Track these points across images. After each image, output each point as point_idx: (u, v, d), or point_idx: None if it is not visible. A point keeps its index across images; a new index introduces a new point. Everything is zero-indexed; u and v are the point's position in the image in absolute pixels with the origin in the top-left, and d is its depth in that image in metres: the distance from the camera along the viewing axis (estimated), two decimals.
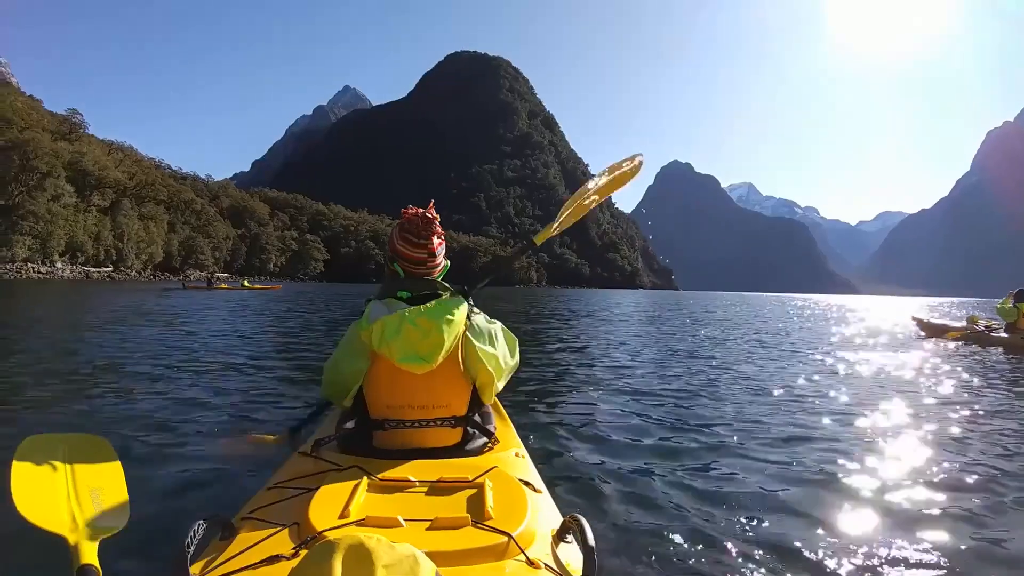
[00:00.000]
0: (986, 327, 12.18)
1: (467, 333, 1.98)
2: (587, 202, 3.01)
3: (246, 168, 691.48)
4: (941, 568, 2.30)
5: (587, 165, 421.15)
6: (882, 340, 12.97)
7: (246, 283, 43.69)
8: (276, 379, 6.09)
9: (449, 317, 1.90)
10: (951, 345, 11.67)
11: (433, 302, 1.95)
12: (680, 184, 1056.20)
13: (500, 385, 2.10)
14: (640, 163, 3.21)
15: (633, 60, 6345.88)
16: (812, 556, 2.40)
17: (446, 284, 2.09)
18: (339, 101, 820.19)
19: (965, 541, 2.50)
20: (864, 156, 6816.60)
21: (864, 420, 4.69)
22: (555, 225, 2.84)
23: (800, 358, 9.56)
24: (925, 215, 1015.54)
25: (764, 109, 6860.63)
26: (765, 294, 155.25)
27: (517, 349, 2.19)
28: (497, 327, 2.12)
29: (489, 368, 1.99)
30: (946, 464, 3.53)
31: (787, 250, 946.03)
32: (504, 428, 2.41)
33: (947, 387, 6.55)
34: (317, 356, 7.98)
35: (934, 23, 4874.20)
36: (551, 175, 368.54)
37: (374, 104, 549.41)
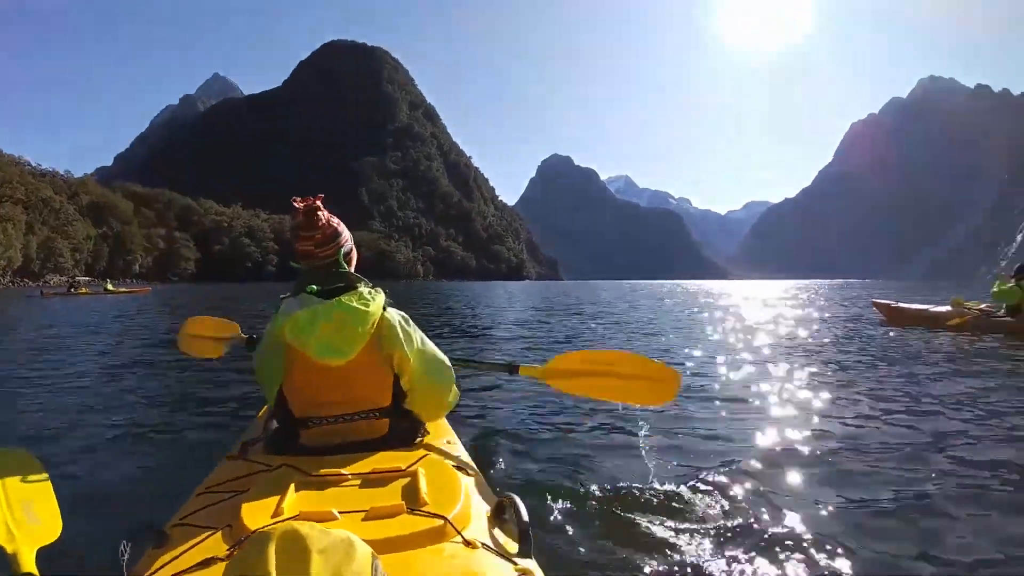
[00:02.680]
0: (981, 311, 11.21)
1: (384, 323, 1.98)
2: (600, 388, 2.74)
3: (108, 162, 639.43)
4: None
5: (469, 157, 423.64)
6: (857, 332, 11.79)
7: (109, 286, 41.17)
8: (169, 386, 6.14)
9: (363, 308, 1.90)
10: (943, 335, 10.61)
11: (347, 295, 1.94)
12: (561, 177, 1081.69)
13: (437, 402, 2.15)
14: (674, 389, 2.63)
15: (514, 54, 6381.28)
16: (733, 524, 2.55)
17: (360, 276, 2.08)
18: (208, 90, 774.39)
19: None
20: (732, 149, 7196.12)
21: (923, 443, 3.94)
22: (545, 370, 2.76)
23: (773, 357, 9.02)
24: (789, 203, 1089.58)
25: (639, 103, 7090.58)
26: (648, 281, 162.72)
27: (451, 372, 2.19)
28: (419, 332, 2.11)
29: (408, 357, 1.99)
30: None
31: (664, 239, 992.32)
32: None
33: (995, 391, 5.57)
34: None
35: (801, 18, 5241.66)
36: (434, 167, 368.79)
37: (246, 93, 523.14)
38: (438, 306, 23.67)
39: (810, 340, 10.42)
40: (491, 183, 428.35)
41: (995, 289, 10.81)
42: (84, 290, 40.28)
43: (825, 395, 5.39)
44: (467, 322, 15.09)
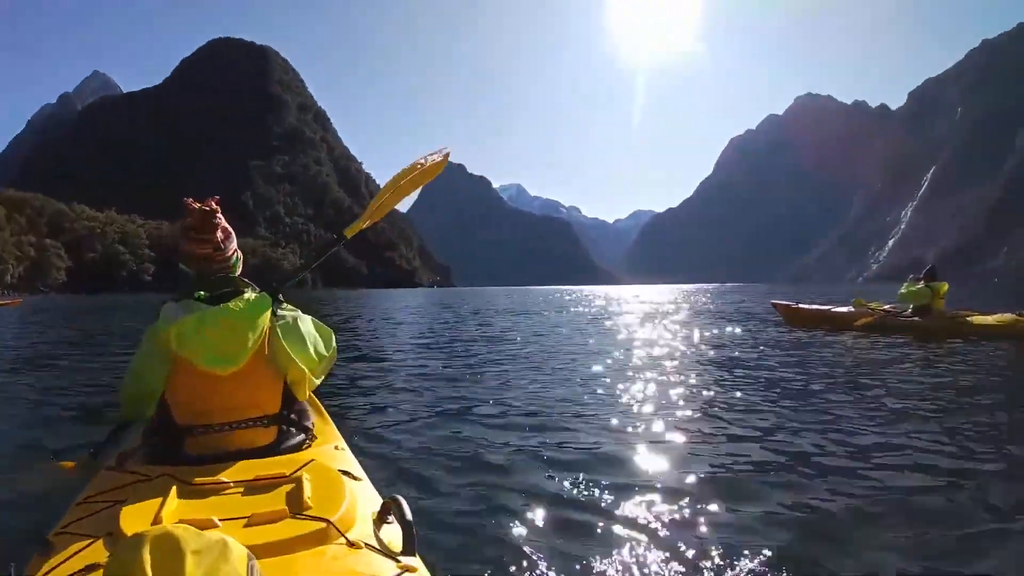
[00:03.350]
0: (885, 311, 11.47)
1: (274, 330, 1.94)
2: (395, 193, 2.90)
3: None
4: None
5: (361, 163, 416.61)
6: (760, 333, 12.22)
7: None
8: (58, 403, 6.00)
9: (252, 315, 1.86)
10: (848, 335, 10.99)
11: (234, 300, 1.89)
12: (454, 184, 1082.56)
13: (317, 381, 2.07)
14: (447, 155, 3.11)
15: (408, 61, 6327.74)
16: (632, 515, 2.70)
17: (247, 280, 2.05)
18: (87, 88, 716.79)
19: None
20: (621, 159, 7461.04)
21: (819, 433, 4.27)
22: (366, 216, 2.78)
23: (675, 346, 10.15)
24: (671, 213, 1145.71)
25: (532, 113, 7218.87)
26: (540, 287, 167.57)
27: (333, 340, 2.15)
28: (307, 320, 2.08)
29: (300, 364, 1.95)
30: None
31: (555, 247, 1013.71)
32: (323, 424, 2.42)
33: (915, 388, 6.01)
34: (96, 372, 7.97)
35: (685, 37, 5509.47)
36: (324, 173, 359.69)
37: (126, 91, 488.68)
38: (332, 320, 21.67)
39: (717, 342, 10.71)
40: None
41: (904, 291, 11.14)
42: None
43: (736, 397, 5.47)
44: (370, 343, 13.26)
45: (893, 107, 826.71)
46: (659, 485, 3.17)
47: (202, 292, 1.94)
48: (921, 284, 11.00)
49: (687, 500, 2.94)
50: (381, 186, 2.72)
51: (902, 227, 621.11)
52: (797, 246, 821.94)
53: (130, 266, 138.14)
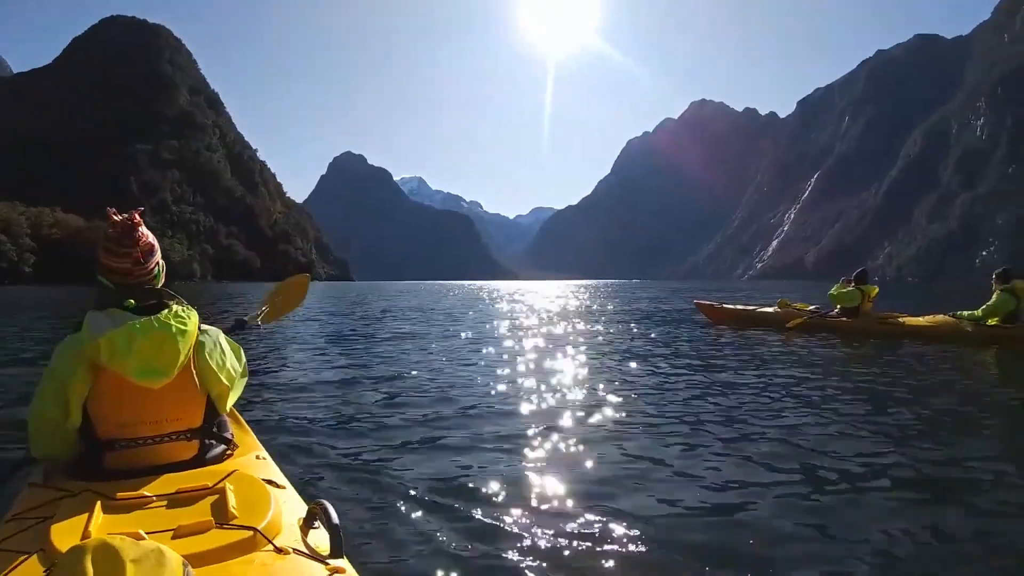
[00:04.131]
0: (812, 312, 11.48)
1: (199, 344, 1.96)
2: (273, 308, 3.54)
3: None
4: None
5: (256, 150, 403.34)
6: (685, 334, 11.85)
7: None
8: None
9: (182, 328, 1.86)
10: (772, 334, 10.90)
11: (164, 312, 1.89)
12: (353, 175, 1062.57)
13: (234, 396, 2.11)
14: (306, 280, 3.85)
15: (307, 47, 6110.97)
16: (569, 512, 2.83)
17: (172, 293, 2.04)
18: None
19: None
20: (522, 156, 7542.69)
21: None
22: (260, 313, 3.42)
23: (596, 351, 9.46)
24: (571, 210, 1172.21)
25: (433, 105, 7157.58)
26: (442, 282, 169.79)
27: (243, 355, 2.18)
28: (221, 335, 2.10)
29: (222, 378, 1.98)
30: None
31: (456, 241, 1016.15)
32: (242, 434, 2.44)
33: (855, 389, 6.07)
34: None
35: (588, 35, 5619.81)
36: (215, 159, 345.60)
37: (16, 72, 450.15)
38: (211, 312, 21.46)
39: (641, 343, 10.26)
40: (279, 179, 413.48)
41: (834, 291, 11.03)
42: None
43: (668, 404, 5.37)
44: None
45: (782, 115, 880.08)
46: (580, 477, 3.27)
47: (131, 301, 1.91)
48: (852, 287, 10.93)
49: (611, 497, 2.99)
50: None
51: (785, 228, 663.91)
52: (689, 245, 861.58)
53: (11, 255, 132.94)
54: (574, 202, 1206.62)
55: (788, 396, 5.69)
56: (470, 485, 3.18)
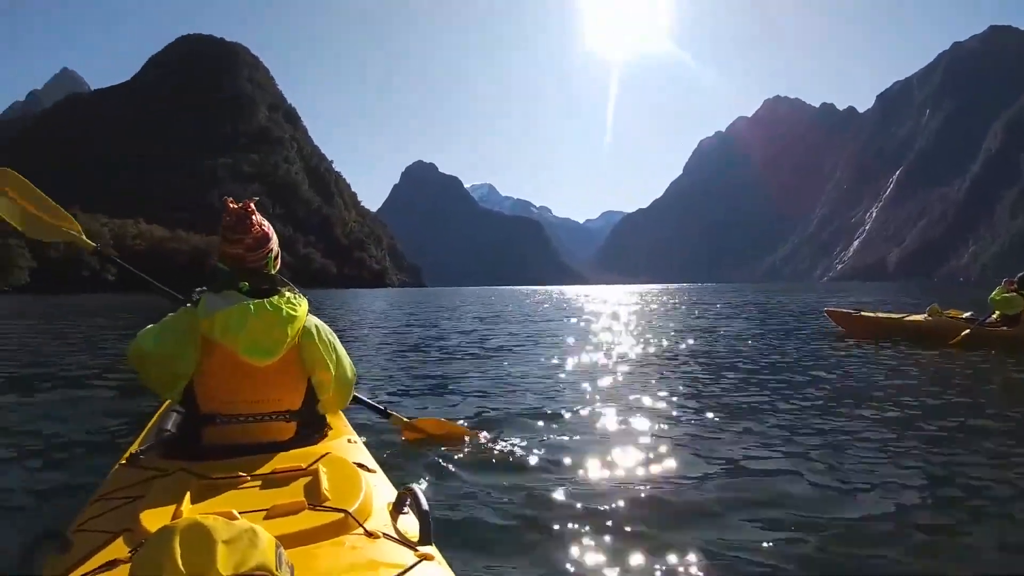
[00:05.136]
0: (966, 319, 10.20)
1: (308, 331, 2.02)
2: (412, 431, 3.73)
3: None
4: None
5: (331, 162, 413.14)
6: (818, 349, 10.00)
7: None
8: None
9: (292, 313, 1.93)
10: (922, 348, 9.46)
11: (276, 297, 1.97)
12: (425, 184, 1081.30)
13: (342, 397, 2.24)
14: (465, 437, 3.94)
15: (380, 59, 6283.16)
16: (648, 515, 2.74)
17: (285, 280, 2.11)
18: (56, 86, 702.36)
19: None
20: (591, 160, 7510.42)
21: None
22: (409, 424, 3.58)
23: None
24: (641, 214, 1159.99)
25: (502, 113, 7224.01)
26: (515, 287, 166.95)
27: (354, 372, 2.28)
28: (328, 329, 2.15)
29: (326, 366, 2.04)
30: None
31: (526, 246, 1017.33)
32: (335, 418, 2.47)
33: None
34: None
35: (657, 37, 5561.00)
36: (293, 171, 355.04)
37: (94, 88, 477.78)
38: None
39: (765, 358, 8.72)
40: (353, 188, 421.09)
41: (995, 296, 9.95)
42: None
43: (816, 422, 4.68)
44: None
45: (861, 110, 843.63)
46: (677, 487, 3.13)
47: (245, 284, 2.00)
48: (1013, 293, 9.79)
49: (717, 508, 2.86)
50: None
51: (867, 227, 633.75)
52: (765, 246, 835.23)
53: (93, 265, 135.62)
54: (644, 205, 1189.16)
55: (963, 432, 4.48)
56: (559, 483, 3.13)
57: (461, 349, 10.64)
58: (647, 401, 5.46)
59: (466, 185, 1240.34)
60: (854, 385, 6.33)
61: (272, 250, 2.13)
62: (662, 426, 4.52)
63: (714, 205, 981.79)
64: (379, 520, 1.50)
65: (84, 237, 2.89)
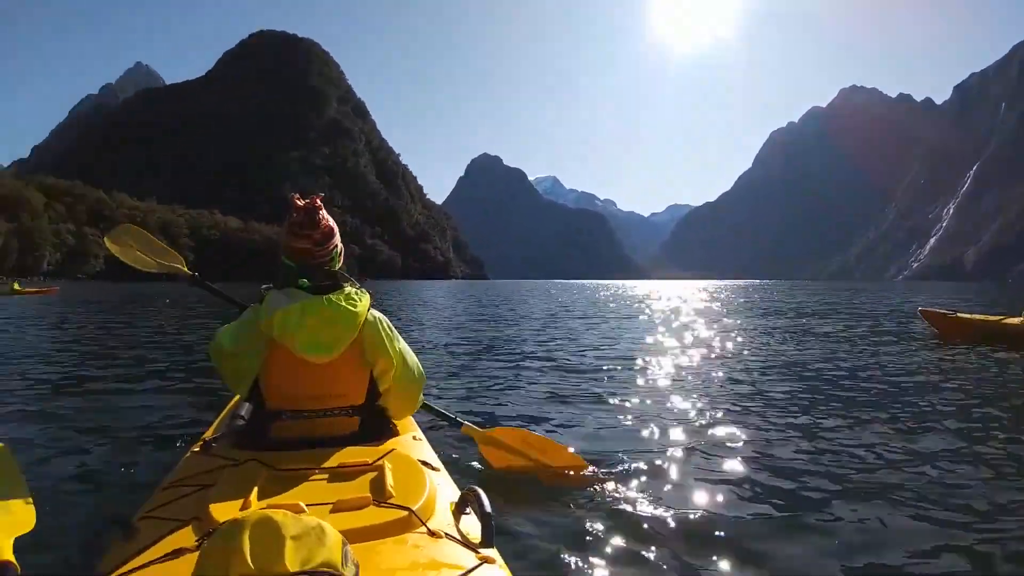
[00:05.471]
0: None
1: (369, 323, 2.02)
2: (514, 455, 3.18)
3: (25, 154, 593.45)
4: None
5: (398, 155, 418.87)
6: (912, 352, 9.01)
7: (16, 286, 37.11)
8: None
9: (351, 308, 1.93)
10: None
11: (335, 292, 1.97)
12: (489, 177, 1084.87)
13: (410, 401, 2.24)
14: (581, 466, 3.24)
15: (446, 52, 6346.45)
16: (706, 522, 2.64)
17: (347, 275, 2.11)
18: (129, 80, 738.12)
19: None
20: (657, 153, 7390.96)
21: None
22: (482, 438, 3.21)
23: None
24: (709, 207, 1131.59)
25: (567, 105, 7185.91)
26: (579, 281, 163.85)
27: (422, 374, 2.26)
28: (403, 341, 2.17)
29: (388, 358, 2.04)
30: None
31: (589, 240, 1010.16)
32: None
33: None
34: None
35: (725, 26, 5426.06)
36: (362, 164, 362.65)
37: (169, 83, 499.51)
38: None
39: (866, 365, 7.80)
40: (419, 181, 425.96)
41: None
42: None
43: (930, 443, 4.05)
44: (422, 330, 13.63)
45: (938, 101, 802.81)
46: (756, 496, 3.01)
47: (305, 281, 2.01)
48: None
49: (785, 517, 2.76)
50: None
51: (943, 225, 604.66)
52: (837, 242, 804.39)
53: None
54: (712, 198, 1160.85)
55: None
56: (628, 488, 3.04)
57: (535, 348, 9.91)
58: (742, 413, 4.95)
59: (530, 178, 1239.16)
60: (967, 398, 5.61)
61: (337, 246, 2.17)
62: (758, 442, 4.08)
63: (784, 199, 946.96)
64: (442, 520, 1.51)
65: (185, 268, 3.16)
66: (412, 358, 2.19)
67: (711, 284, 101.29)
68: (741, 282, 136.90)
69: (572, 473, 3.18)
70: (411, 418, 2.46)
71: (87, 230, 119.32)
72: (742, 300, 31.11)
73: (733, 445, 3.92)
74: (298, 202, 2.09)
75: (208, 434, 2.14)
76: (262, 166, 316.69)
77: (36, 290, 39.56)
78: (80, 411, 4.89)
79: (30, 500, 1.51)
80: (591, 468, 3.22)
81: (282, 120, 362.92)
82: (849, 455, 3.71)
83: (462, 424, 3.22)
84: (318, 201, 2.11)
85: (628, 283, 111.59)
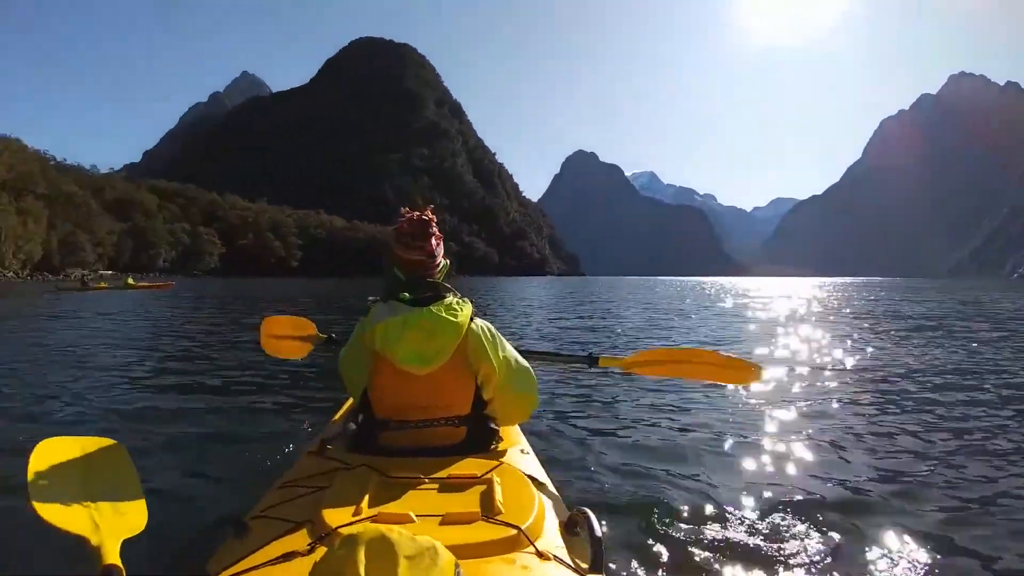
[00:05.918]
0: None
1: (472, 332, 1.99)
2: (677, 370, 2.98)
3: (137, 159, 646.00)
4: None
5: (494, 154, 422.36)
6: None
7: (130, 280, 38.92)
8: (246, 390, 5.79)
9: (452, 319, 1.92)
10: None
11: (437, 304, 1.96)
12: (585, 173, 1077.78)
13: (518, 409, 2.17)
14: (758, 373, 2.92)
15: (540, 50, 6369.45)
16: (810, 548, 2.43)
17: (449, 285, 2.10)
18: (236, 88, 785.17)
19: None
20: (759, 145, 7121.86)
21: None
22: (630, 361, 2.97)
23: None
24: (815, 201, 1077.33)
25: (664, 99, 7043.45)
26: (680, 278, 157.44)
27: (534, 381, 2.18)
28: (509, 344, 2.13)
29: (492, 363, 2.00)
30: None
31: (687, 236, 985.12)
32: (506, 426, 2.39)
33: None
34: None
35: (829, 12, 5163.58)
36: (459, 164, 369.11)
37: (274, 91, 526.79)
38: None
39: None
40: (515, 179, 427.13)
41: None
42: (103, 284, 37.99)
43: None
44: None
45: None
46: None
47: (406, 294, 2.00)
48: None
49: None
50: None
51: None
52: (951, 237, 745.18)
53: (279, 252, 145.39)
54: (819, 191, 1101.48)
55: None
56: (748, 513, 2.78)
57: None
58: (899, 433, 4.22)
59: (627, 173, 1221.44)
60: None
61: (444, 258, 2.17)
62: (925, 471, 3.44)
63: (894, 192, 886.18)
64: (550, 540, 1.45)
65: (318, 331, 3.27)
66: (521, 364, 2.14)
67: (818, 281, 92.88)
68: (859, 279, 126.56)
69: (739, 374, 2.94)
70: (518, 430, 2.44)
71: (201, 229, 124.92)
72: (869, 298, 27.11)
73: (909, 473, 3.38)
74: (411, 214, 2.10)
75: (323, 437, 2.17)
76: (363, 168, 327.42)
77: (150, 285, 40.10)
78: (191, 408, 4.93)
79: (143, 502, 1.51)
80: (763, 372, 2.94)
81: (381, 123, 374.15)
82: None
83: (598, 359, 3.03)
84: (429, 212, 2.12)
85: (729, 280, 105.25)
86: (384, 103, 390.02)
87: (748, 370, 2.90)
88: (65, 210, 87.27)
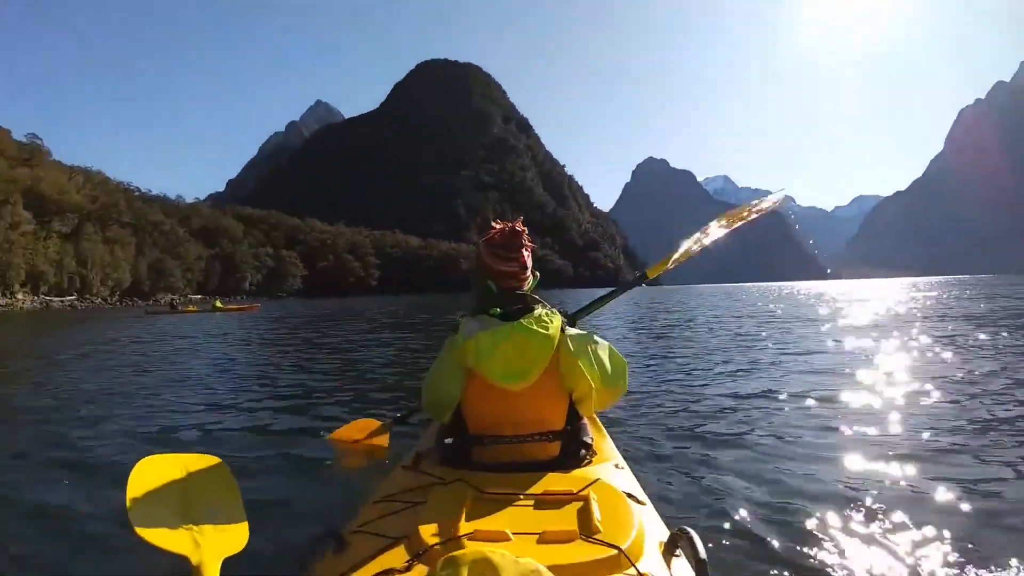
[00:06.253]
0: None
1: (564, 345, 1.94)
2: (716, 233, 3.17)
3: (221, 188, 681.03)
4: None
5: (564, 166, 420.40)
6: None
7: (218, 303, 40.90)
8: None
9: (543, 332, 1.89)
10: None
11: (527, 317, 1.93)
12: (657, 180, 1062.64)
13: (607, 403, 2.11)
14: (783, 199, 3.14)
15: (607, 59, 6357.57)
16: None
17: (538, 298, 2.06)
18: (311, 116, 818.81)
19: None
20: (836, 142, 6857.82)
21: None
22: (673, 258, 3.02)
23: None
24: (900, 197, 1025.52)
25: (736, 102, 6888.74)
26: (761, 284, 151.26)
27: (626, 373, 2.13)
28: (605, 346, 2.06)
29: (588, 380, 1.94)
30: None
31: (766, 240, 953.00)
32: (601, 440, 2.35)
33: None
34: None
35: (900, 3, 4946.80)
36: (528, 178, 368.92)
37: (346, 116, 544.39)
38: None
39: None
40: (585, 190, 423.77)
41: None
42: (192, 308, 39.77)
43: None
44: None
45: None
46: None
47: (496, 308, 1.99)
48: None
49: None
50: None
51: None
52: None
53: (358, 272, 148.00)
54: (902, 186, 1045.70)
55: None
56: (861, 530, 2.57)
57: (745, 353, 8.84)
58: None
59: (699, 178, 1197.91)
60: None
61: (534, 272, 2.13)
62: None
63: (983, 184, 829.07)
64: (651, 561, 1.39)
65: (381, 424, 3.32)
66: (615, 358, 2.07)
67: (911, 281, 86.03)
68: (953, 278, 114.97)
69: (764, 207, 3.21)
70: (612, 444, 2.40)
71: (284, 253, 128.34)
72: (985, 300, 22.76)
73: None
74: (503, 227, 2.08)
75: (418, 451, 2.18)
76: (436, 187, 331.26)
77: (237, 307, 41.21)
78: (282, 423, 4.93)
79: (244, 521, 1.51)
80: (784, 194, 3.05)
81: (451, 142, 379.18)
82: None
83: (644, 274, 3.09)
84: (520, 224, 2.09)
85: (814, 285, 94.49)
86: (452, 122, 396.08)
87: (772, 202, 3.12)
88: (153, 238, 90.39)
